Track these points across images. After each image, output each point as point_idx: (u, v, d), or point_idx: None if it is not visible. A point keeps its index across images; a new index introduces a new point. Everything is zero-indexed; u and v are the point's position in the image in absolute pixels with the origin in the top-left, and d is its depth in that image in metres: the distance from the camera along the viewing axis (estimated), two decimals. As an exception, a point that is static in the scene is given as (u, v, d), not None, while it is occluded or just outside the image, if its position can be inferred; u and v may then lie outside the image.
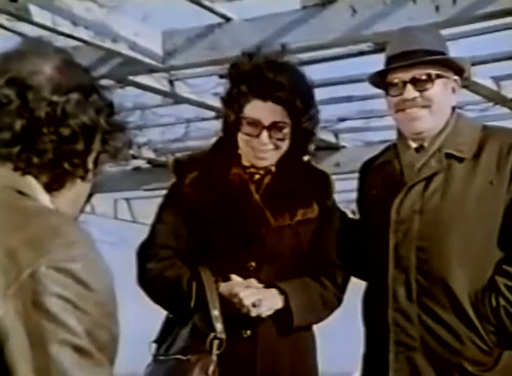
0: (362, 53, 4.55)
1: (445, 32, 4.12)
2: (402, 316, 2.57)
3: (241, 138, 2.61)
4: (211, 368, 2.42)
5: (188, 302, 2.53)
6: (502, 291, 2.52)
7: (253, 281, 2.55)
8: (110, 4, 4.09)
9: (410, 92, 2.58)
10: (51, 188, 1.43)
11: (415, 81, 2.59)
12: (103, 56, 4.46)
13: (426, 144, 2.64)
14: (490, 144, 2.61)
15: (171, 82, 5.11)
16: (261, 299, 2.50)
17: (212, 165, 2.67)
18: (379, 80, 2.70)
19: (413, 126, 2.63)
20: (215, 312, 2.47)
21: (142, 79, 4.90)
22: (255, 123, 2.57)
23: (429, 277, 2.56)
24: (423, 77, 2.59)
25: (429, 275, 2.56)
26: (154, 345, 2.63)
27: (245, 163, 2.65)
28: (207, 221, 2.60)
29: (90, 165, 1.47)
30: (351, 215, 2.99)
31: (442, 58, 2.62)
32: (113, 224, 8.26)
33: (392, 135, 2.91)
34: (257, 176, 2.65)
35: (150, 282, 2.65)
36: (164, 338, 2.61)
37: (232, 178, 2.63)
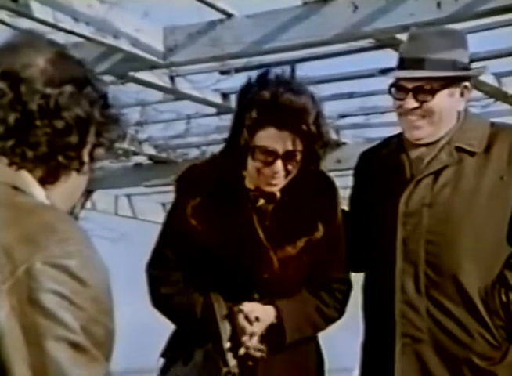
0: (363, 50, 4.54)
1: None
2: (410, 308, 2.57)
3: (252, 164, 2.53)
4: None
5: (201, 330, 2.52)
6: None
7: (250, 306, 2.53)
8: (111, 0, 4.09)
9: (410, 102, 2.57)
10: (46, 181, 1.42)
11: (417, 91, 2.57)
12: (104, 52, 4.45)
13: (434, 139, 2.63)
14: (500, 140, 2.61)
15: (171, 78, 5.11)
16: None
17: (215, 190, 2.59)
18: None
19: (412, 134, 2.63)
20: (227, 345, 2.46)
21: (143, 75, 4.89)
22: (270, 152, 2.49)
23: (438, 271, 2.56)
24: (426, 88, 2.56)
25: (438, 268, 2.56)
26: (161, 360, 2.62)
27: (249, 186, 2.58)
28: (210, 256, 2.55)
29: (85, 158, 1.46)
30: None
31: (448, 76, 2.57)
32: (114, 220, 8.27)
33: (393, 132, 2.90)
34: (261, 202, 2.59)
35: (163, 307, 2.64)
36: (175, 354, 2.59)
37: (235, 210, 2.57)
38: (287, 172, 2.52)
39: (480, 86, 5.03)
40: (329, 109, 6.09)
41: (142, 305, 2.68)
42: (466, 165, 2.60)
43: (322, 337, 2.72)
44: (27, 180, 1.40)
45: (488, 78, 5.02)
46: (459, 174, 2.59)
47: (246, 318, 2.49)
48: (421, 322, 2.57)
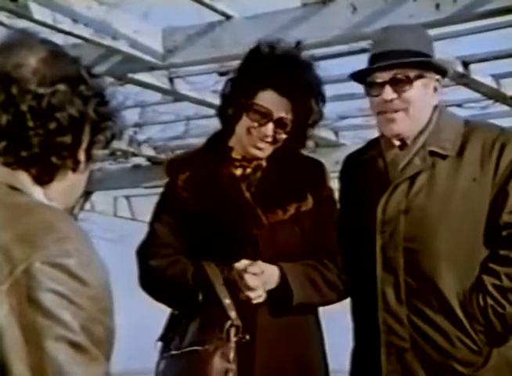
0: (362, 51, 4.54)
1: (445, 30, 4.13)
2: (392, 318, 2.57)
3: (243, 124, 2.61)
4: (231, 355, 2.41)
5: (195, 296, 2.51)
6: (490, 290, 2.51)
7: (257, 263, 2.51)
8: (110, 1, 4.09)
9: (389, 93, 2.57)
10: (41, 181, 1.41)
11: (394, 82, 2.57)
12: (103, 53, 4.45)
13: (409, 142, 2.64)
14: (473, 141, 2.60)
15: (171, 80, 5.11)
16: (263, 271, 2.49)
17: (203, 164, 2.67)
18: (362, 78, 2.69)
19: (391, 128, 2.63)
20: (227, 301, 2.46)
21: (142, 77, 4.89)
22: (265, 113, 2.58)
23: (417, 278, 2.55)
24: (402, 79, 2.56)
25: (417, 275, 2.55)
26: (159, 343, 2.62)
27: (236, 156, 2.65)
28: (201, 223, 2.59)
29: (81, 157, 1.45)
30: None
31: (420, 60, 2.58)
32: (113, 221, 8.27)
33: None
34: (248, 171, 2.65)
35: (154, 280, 2.63)
36: (170, 335, 2.59)
37: (222, 177, 2.63)
38: (274, 140, 2.60)
39: (478, 87, 5.03)
40: (329, 110, 6.08)
41: (142, 306, 2.67)
42: (439, 169, 2.58)
43: (324, 336, 2.71)
44: (24, 180, 1.40)
45: (486, 80, 5.02)
46: (433, 178, 2.58)
47: (245, 271, 2.48)
48: (403, 331, 2.56)
